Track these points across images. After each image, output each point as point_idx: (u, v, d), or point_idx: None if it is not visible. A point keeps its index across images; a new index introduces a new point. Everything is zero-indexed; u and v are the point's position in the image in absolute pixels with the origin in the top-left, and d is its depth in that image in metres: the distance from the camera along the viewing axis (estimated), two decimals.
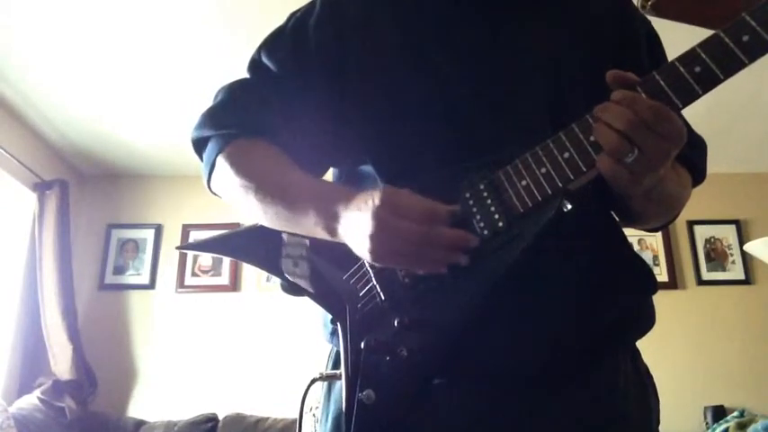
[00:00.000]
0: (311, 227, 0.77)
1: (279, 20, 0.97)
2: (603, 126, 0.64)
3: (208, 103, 0.92)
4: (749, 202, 3.71)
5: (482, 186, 0.72)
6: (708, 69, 0.62)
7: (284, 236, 0.84)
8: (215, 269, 3.66)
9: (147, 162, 3.72)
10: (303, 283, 0.81)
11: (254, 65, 0.93)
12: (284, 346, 3.42)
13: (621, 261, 0.83)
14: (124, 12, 2.51)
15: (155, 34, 2.66)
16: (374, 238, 0.68)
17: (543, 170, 0.69)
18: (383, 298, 0.75)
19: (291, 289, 0.85)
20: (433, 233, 0.68)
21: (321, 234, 0.77)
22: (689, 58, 0.63)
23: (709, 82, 0.62)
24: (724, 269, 3.60)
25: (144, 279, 3.65)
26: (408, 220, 0.67)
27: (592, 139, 0.66)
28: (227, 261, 3.65)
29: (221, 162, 0.85)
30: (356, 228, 0.71)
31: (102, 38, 2.67)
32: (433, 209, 0.69)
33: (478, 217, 0.71)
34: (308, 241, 0.83)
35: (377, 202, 0.68)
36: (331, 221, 0.74)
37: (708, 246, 3.63)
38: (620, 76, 0.66)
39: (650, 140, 0.63)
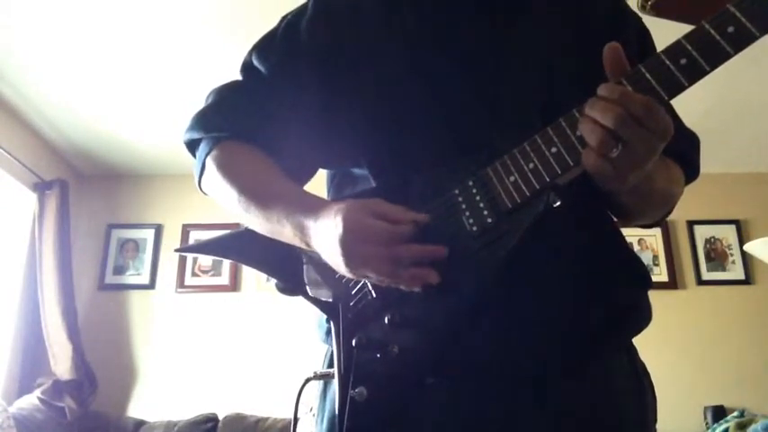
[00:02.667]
0: (291, 238, 0.79)
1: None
2: (589, 121, 0.64)
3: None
4: (749, 202, 3.70)
5: (471, 183, 0.72)
6: (693, 61, 0.62)
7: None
8: (215, 269, 3.66)
9: (147, 162, 3.72)
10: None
11: (246, 68, 0.93)
12: (284, 346, 3.42)
13: (615, 257, 0.82)
14: (124, 12, 2.52)
15: (155, 34, 2.66)
16: (347, 265, 0.71)
17: (531, 165, 0.69)
18: (374, 296, 0.75)
19: (286, 289, 0.85)
20: (395, 254, 0.69)
21: (301, 246, 0.79)
22: (674, 50, 0.63)
23: (695, 74, 0.62)
24: (724, 269, 3.59)
25: (144, 279, 3.65)
26: (372, 245, 0.69)
27: (578, 134, 0.66)
28: (227, 261, 3.64)
29: (209, 164, 0.86)
30: (327, 249, 0.73)
31: (103, 38, 2.68)
32: (392, 231, 0.70)
33: (467, 213, 0.72)
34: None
35: (340, 230, 0.70)
36: (304, 236, 0.76)
37: (708, 246, 3.63)
38: (617, 55, 0.65)
39: (636, 135, 0.63)
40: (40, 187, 3.39)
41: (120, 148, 3.58)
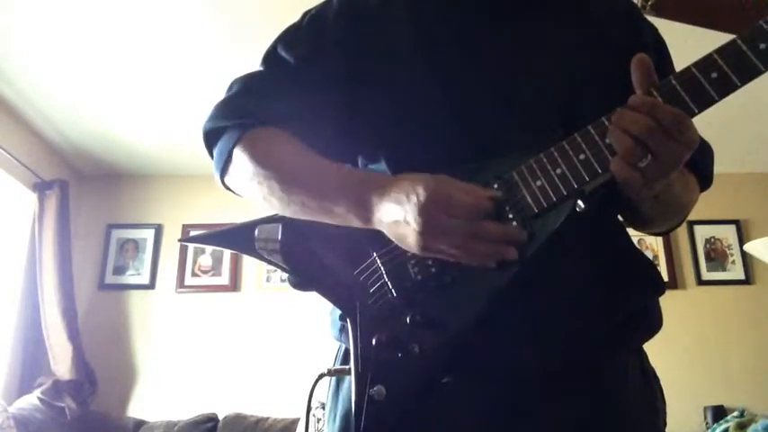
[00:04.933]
0: (343, 215, 0.76)
1: (280, 21, 0.97)
2: (619, 130, 0.64)
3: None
4: (749, 202, 3.71)
5: (496, 186, 0.72)
6: (724, 76, 0.62)
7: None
8: (215, 269, 3.66)
9: (147, 162, 3.72)
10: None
11: (270, 57, 0.91)
12: (284, 346, 3.42)
13: (629, 263, 0.83)
14: (124, 12, 2.51)
15: (155, 34, 2.66)
16: (423, 234, 0.68)
17: (558, 171, 0.69)
18: (395, 294, 0.75)
19: (299, 284, 0.84)
20: (481, 230, 0.68)
21: (354, 222, 0.76)
22: (705, 63, 0.63)
23: (725, 88, 0.62)
24: (724, 269, 3.60)
25: (144, 279, 3.65)
26: (456, 218, 0.68)
27: (607, 141, 0.66)
28: (227, 261, 3.65)
29: (238, 153, 0.83)
30: (398, 221, 0.71)
31: (103, 38, 2.67)
32: (477, 205, 0.69)
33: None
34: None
35: (422, 198, 0.68)
36: (365, 211, 0.74)
37: (708, 246, 3.64)
38: (646, 66, 0.65)
39: (666, 147, 0.63)
40: (40, 187, 3.38)
41: (120, 148, 3.58)
